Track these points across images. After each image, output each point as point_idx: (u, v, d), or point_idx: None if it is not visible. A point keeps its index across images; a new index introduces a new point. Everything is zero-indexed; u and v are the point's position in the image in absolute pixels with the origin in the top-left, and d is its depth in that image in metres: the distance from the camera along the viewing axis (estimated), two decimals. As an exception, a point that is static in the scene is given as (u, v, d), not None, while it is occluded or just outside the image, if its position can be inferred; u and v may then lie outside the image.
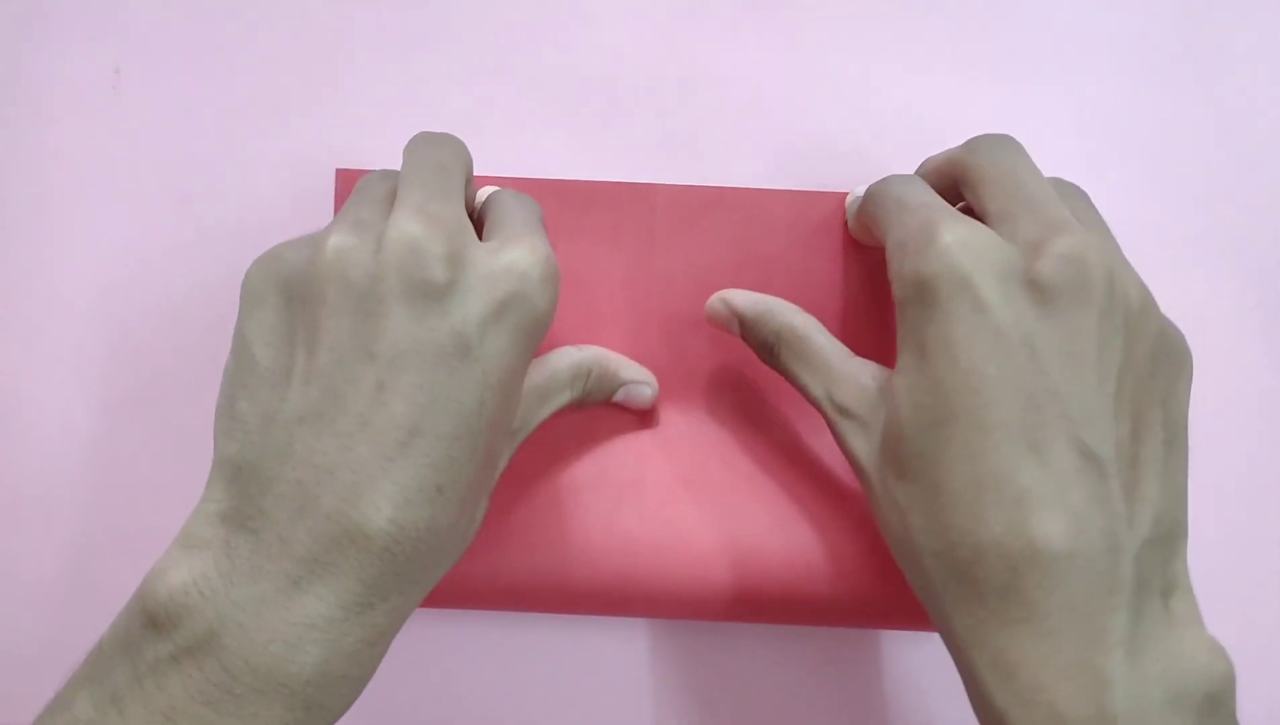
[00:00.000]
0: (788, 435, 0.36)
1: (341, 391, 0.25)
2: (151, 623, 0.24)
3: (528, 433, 0.31)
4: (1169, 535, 0.25)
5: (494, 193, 0.32)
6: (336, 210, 0.36)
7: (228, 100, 0.37)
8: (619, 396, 0.34)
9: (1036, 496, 0.24)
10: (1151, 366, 0.26)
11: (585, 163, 0.37)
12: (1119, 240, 0.36)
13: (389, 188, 0.29)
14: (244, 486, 0.25)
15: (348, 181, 0.36)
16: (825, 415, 0.30)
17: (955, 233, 0.26)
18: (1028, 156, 0.28)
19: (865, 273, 0.36)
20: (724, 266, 0.36)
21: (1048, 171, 0.36)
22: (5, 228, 0.37)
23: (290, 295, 0.26)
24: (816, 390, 0.30)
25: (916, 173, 0.32)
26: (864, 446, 0.28)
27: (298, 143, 0.37)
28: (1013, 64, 0.37)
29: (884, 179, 0.31)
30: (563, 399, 0.32)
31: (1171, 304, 0.36)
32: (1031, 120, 0.37)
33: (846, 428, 0.29)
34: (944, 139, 0.36)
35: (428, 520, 0.25)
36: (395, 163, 0.37)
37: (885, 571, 0.33)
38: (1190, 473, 0.36)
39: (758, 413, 0.36)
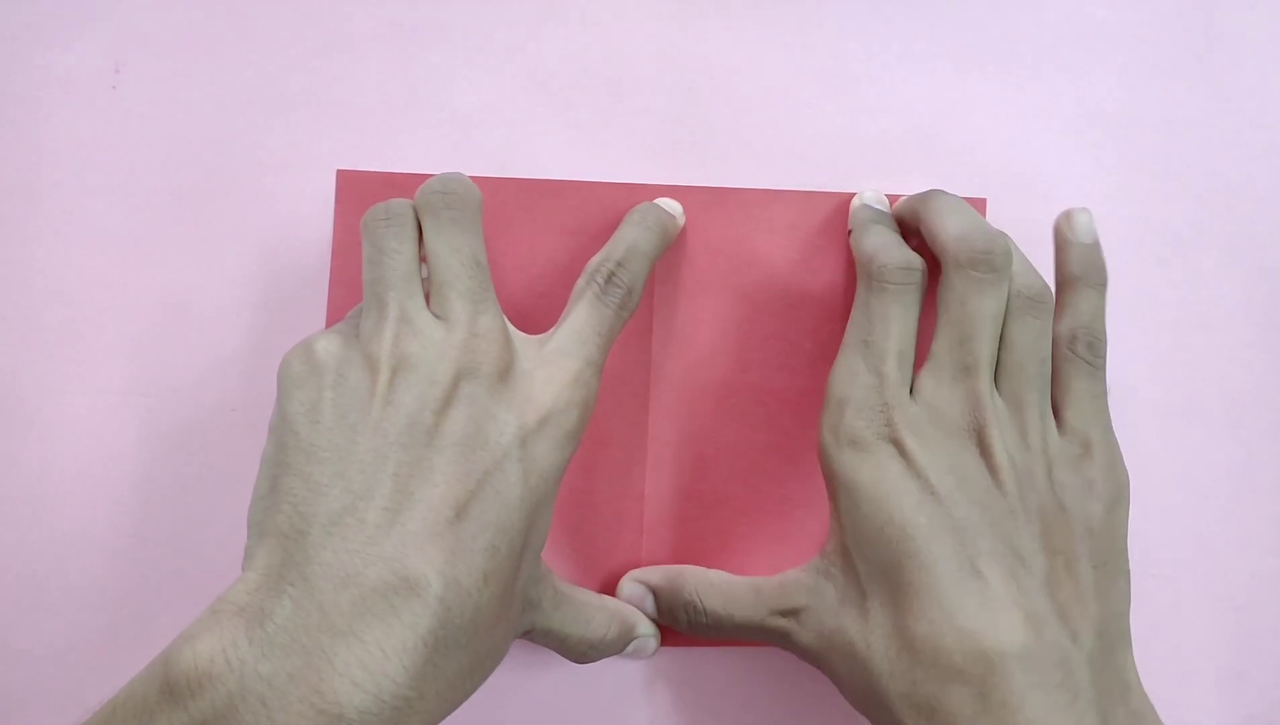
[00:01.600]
0: (790, 439, 0.36)
1: (395, 471, 0.25)
2: (170, 690, 0.22)
3: (534, 626, 0.30)
4: (1111, 646, 0.27)
5: (581, 288, 0.31)
6: (337, 211, 0.36)
7: (228, 98, 0.37)
8: (630, 649, 0.34)
9: (984, 623, 0.25)
10: (1064, 514, 0.28)
11: (586, 163, 0.37)
12: (1118, 240, 0.36)
13: (410, 256, 0.29)
14: (289, 554, 0.24)
15: (348, 182, 0.36)
16: (771, 633, 0.30)
17: (890, 399, 0.28)
18: (1001, 288, 0.29)
19: None
20: (725, 267, 0.36)
21: (1048, 170, 0.36)
22: (4, 224, 0.37)
23: (337, 380, 0.27)
24: (756, 617, 0.31)
25: (928, 199, 0.32)
26: (814, 630, 0.29)
27: (298, 141, 0.37)
28: (1016, 61, 0.37)
29: (877, 242, 0.31)
30: (598, 632, 0.32)
31: (1173, 301, 0.36)
32: (1034, 117, 0.37)
33: (794, 626, 0.30)
34: (947, 137, 0.36)
35: (473, 609, 0.24)
36: (395, 161, 0.37)
37: None
38: (1192, 472, 0.36)
39: (760, 417, 0.36)
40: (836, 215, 0.36)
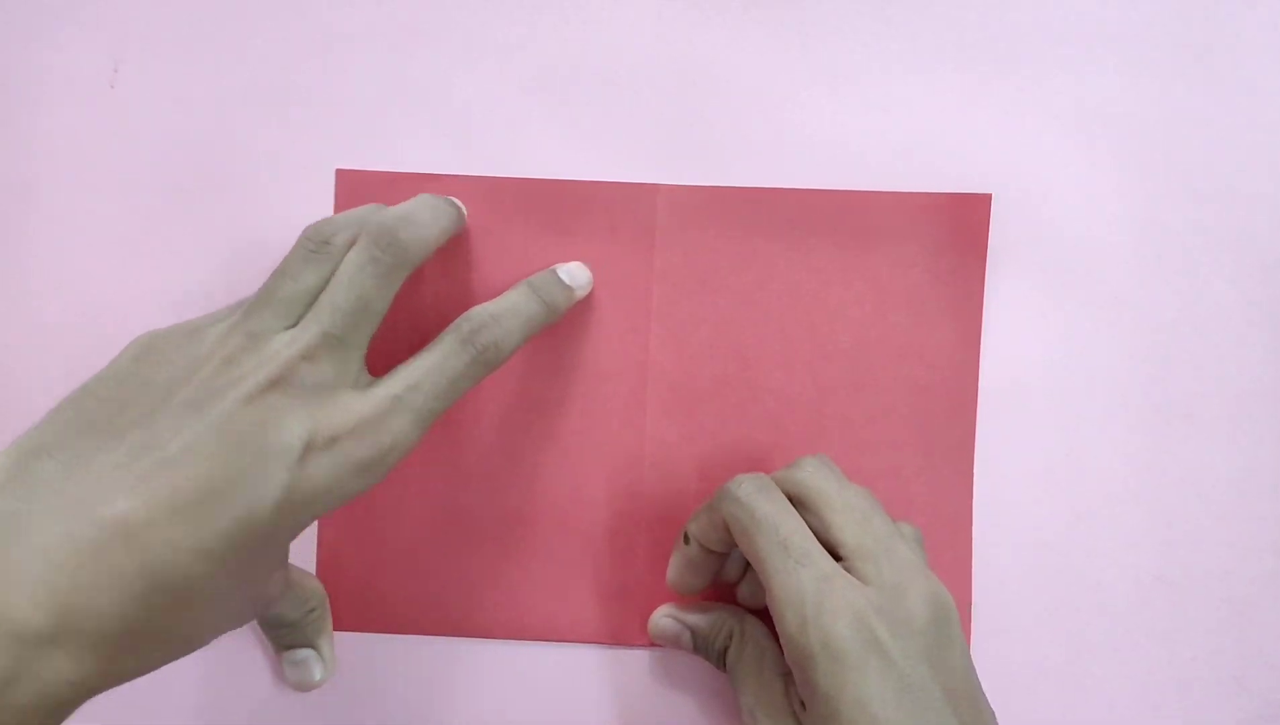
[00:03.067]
0: (790, 438, 0.36)
1: (168, 433, 0.26)
2: None
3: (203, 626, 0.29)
4: None
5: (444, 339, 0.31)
6: (336, 210, 0.36)
7: (226, 97, 0.37)
8: (296, 660, 0.35)
9: None
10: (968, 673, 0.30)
11: (586, 162, 0.37)
12: (1118, 240, 0.36)
13: (309, 290, 0.30)
14: (28, 464, 0.26)
15: (347, 181, 0.36)
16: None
17: (855, 596, 0.28)
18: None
19: (868, 269, 0.36)
20: (725, 266, 0.36)
21: (1048, 170, 0.36)
22: (3, 222, 0.37)
23: (175, 350, 0.29)
24: (746, 699, 0.32)
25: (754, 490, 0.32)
26: None
27: (296, 140, 0.37)
28: (1016, 61, 0.36)
29: (749, 500, 0.31)
30: (281, 598, 0.33)
31: (1173, 301, 0.36)
32: (1033, 117, 0.36)
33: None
34: (946, 137, 0.36)
35: (183, 578, 0.25)
36: (394, 161, 0.37)
37: None
38: (1192, 472, 0.36)
39: (759, 416, 0.36)
40: (836, 214, 0.36)
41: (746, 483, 0.31)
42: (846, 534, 0.30)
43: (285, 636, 0.34)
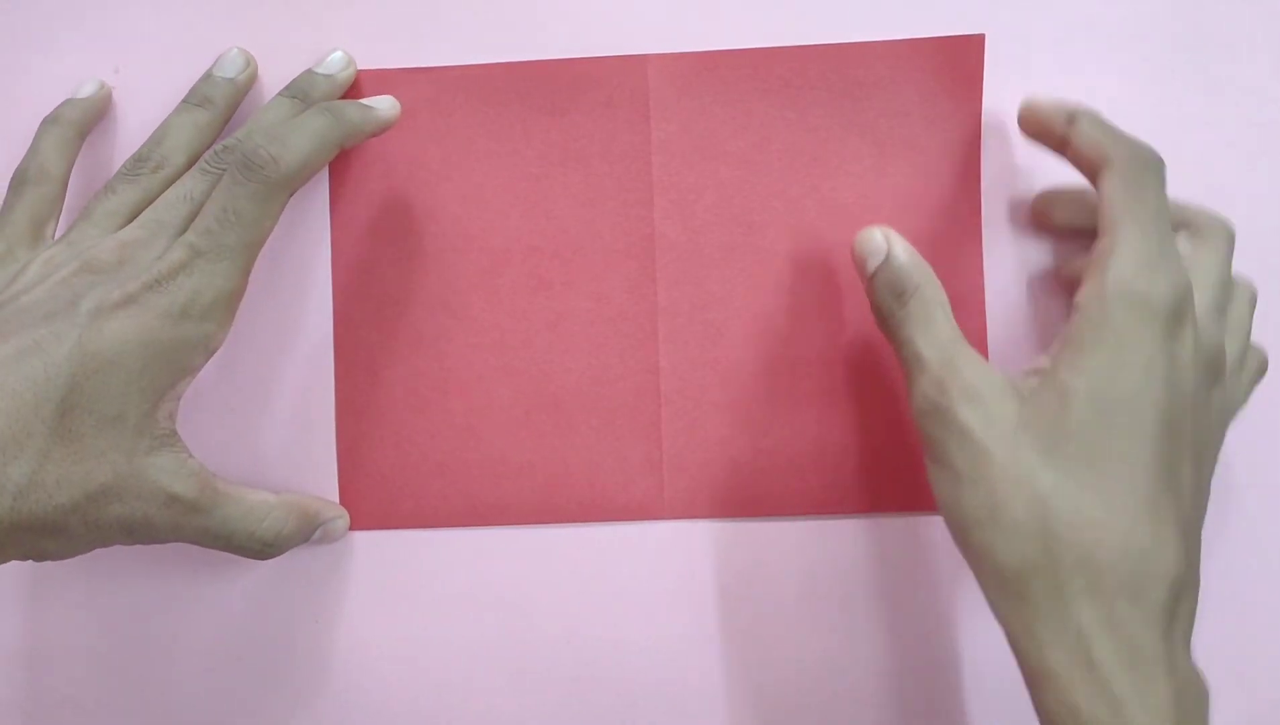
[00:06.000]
0: (799, 300, 0.36)
1: None
2: None
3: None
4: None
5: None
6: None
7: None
8: (316, 536, 0.35)
9: (1171, 518, 0.28)
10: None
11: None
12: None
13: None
14: None
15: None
16: (934, 380, 0.30)
17: (1182, 269, 0.29)
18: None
19: (865, 123, 0.36)
20: (723, 131, 0.36)
21: (1048, 170, 0.36)
22: (5, 226, 0.37)
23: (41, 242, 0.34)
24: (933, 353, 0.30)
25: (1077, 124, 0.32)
26: (982, 423, 0.29)
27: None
28: (1012, 57, 0.36)
29: (1134, 146, 0.31)
30: (250, 528, 0.32)
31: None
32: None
33: (965, 403, 0.29)
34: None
35: None
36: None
37: (883, 457, 0.35)
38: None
39: (767, 280, 0.36)
40: (829, 69, 0.36)
41: (1145, 154, 0.31)
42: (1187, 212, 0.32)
43: (286, 546, 0.33)
